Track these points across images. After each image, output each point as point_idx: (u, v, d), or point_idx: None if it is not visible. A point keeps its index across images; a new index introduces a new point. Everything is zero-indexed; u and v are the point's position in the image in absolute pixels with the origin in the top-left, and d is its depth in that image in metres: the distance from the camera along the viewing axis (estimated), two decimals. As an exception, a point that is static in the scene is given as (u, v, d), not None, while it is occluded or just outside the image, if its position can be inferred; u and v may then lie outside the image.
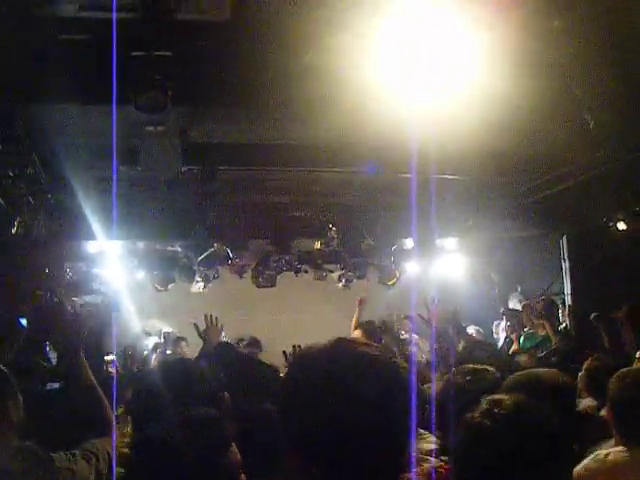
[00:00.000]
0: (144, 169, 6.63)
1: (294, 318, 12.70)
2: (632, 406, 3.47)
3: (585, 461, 3.35)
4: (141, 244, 10.19)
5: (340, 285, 12.17)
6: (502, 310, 11.07)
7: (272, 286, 11.60)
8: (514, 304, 11.15)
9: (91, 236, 8.15)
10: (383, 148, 6.50)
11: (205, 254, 10.27)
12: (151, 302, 11.39)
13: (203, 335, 5.89)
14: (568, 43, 4.51)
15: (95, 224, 7.64)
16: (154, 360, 10.23)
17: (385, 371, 1.82)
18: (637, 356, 5.51)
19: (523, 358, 6.03)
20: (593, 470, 3.27)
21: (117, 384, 4.09)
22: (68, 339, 3.21)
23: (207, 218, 8.89)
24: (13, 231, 7.32)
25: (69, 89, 4.71)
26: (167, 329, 11.77)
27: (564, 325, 9.42)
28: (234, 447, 2.56)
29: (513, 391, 3.40)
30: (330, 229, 9.76)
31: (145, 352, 10.94)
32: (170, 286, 10.97)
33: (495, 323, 11.31)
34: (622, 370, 3.77)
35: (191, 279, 10.97)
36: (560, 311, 9.77)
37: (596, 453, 3.39)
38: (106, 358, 8.19)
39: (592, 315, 7.23)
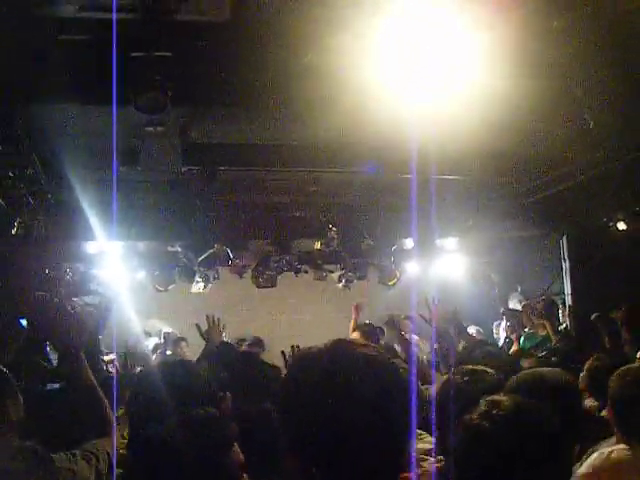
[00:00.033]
0: (144, 169, 6.65)
1: (294, 318, 12.71)
2: (633, 404, 3.47)
3: (589, 460, 3.34)
4: (141, 244, 10.19)
5: (340, 285, 12.16)
6: (502, 310, 11.07)
7: (272, 286, 11.59)
8: (514, 304, 11.15)
9: (91, 236, 8.14)
10: (383, 148, 6.51)
11: (205, 254, 10.26)
12: (151, 302, 11.38)
13: (205, 336, 5.89)
14: (568, 43, 4.51)
15: (95, 224, 7.64)
16: (154, 360, 10.22)
17: (384, 371, 1.83)
18: (638, 356, 5.50)
19: (526, 364, 6.02)
20: (597, 468, 3.27)
21: (117, 384, 4.09)
22: (69, 340, 3.21)
23: (207, 218, 8.89)
24: (13, 231, 7.33)
25: (69, 89, 4.72)
26: (167, 329, 11.77)
27: (564, 325, 9.42)
28: (236, 447, 2.56)
29: (517, 390, 3.41)
30: (330, 229, 9.76)
31: (145, 352, 10.93)
32: (170, 287, 10.97)
33: (495, 323, 11.31)
34: (622, 368, 3.77)
35: (191, 279, 10.96)
36: (560, 311, 9.77)
37: (600, 451, 3.39)
38: (106, 358, 8.18)
39: (593, 315, 7.23)
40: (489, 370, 3.41)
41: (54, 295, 7.63)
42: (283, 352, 5.85)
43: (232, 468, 2.51)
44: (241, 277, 11.51)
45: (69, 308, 3.34)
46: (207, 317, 5.82)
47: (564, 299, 9.85)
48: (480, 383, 3.20)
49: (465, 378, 3.28)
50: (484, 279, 12.03)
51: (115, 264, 10.05)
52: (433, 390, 3.48)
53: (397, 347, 7.97)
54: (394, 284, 11.91)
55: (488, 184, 8.21)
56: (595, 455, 3.35)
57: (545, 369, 3.75)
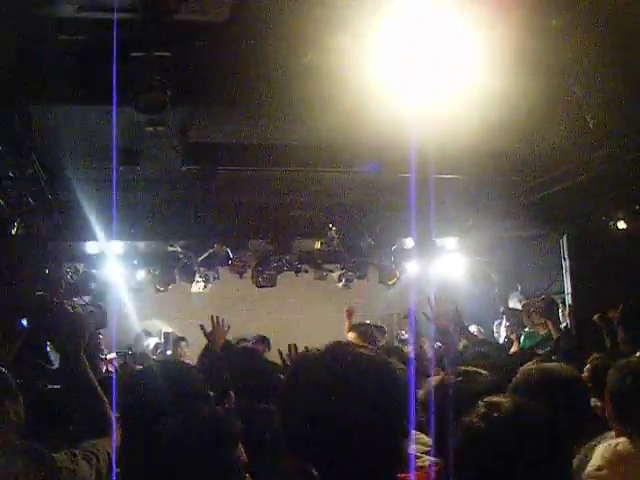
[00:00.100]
0: (144, 169, 6.65)
1: (294, 318, 12.70)
2: (631, 397, 3.47)
3: (597, 454, 3.34)
4: (141, 244, 10.20)
5: (340, 285, 12.16)
6: (502, 310, 11.07)
7: (272, 286, 11.60)
8: (514, 304, 11.15)
9: (91, 236, 8.15)
10: (383, 148, 6.51)
11: (205, 254, 10.27)
12: (151, 302, 11.39)
13: (209, 337, 5.87)
14: (567, 42, 4.51)
15: (95, 224, 7.64)
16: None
17: (383, 371, 1.85)
18: (637, 355, 5.50)
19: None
20: (609, 460, 3.27)
21: (116, 384, 4.08)
22: (69, 340, 3.21)
23: (207, 218, 8.89)
24: (13, 231, 7.33)
25: (69, 89, 4.72)
26: (167, 329, 11.77)
27: (564, 324, 9.42)
28: (240, 446, 2.57)
29: (522, 385, 3.41)
30: (330, 229, 9.76)
31: (145, 352, 10.93)
32: (170, 286, 10.98)
33: (496, 322, 11.30)
34: (620, 362, 3.78)
35: (191, 279, 10.97)
36: (560, 310, 9.77)
37: (605, 444, 3.38)
38: (108, 357, 8.19)
39: (595, 315, 7.22)
40: (482, 371, 3.41)
41: (54, 295, 7.64)
42: (280, 351, 5.83)
43: (237, 467, 2.52)
44: (241, 277, 11.51)
45: (69, 308, 3.34)
46: (211, 318, 5.81)
47: (564, 298, 9.85)
48: (473, 384, 3.20)
49: (458, 379, 3.29)
50: (484, 278, 12.02)
51: (115, 264, 10.06)
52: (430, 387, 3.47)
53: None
54: (394, 283, 11.92)
55: (488, 184, 8.22)
56: (601, 449, 3.35)
57: (549, 364, 3.76)
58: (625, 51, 4.68)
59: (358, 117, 5.35)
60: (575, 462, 3.13)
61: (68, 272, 9.92)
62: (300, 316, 12.80)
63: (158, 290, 10.98)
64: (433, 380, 3.55)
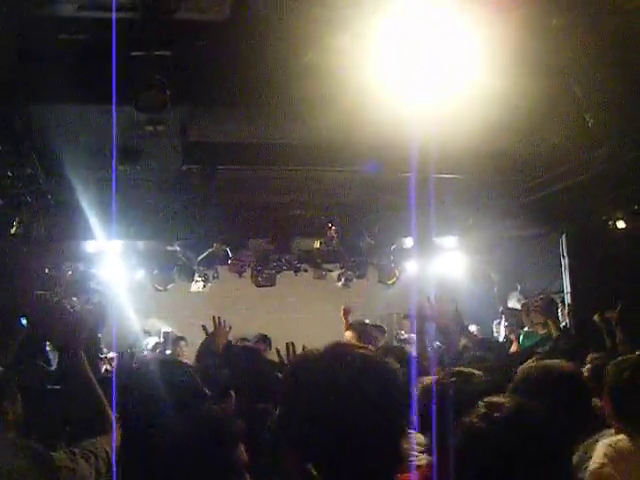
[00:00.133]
0: (144, 168, 6.64)
1: (294, 317, 12.71)
2: (629, 392, 3.48)
3: (599, 452, 3.34)
4: (140, 243, 10.19)
5: (340, 284, 12.17)
6: (501, 309, 11.07)
7: (272, 285, 11.60)
8: (514, 303, 11.15)
9: (90, 236, 8.15)
10: (383, 147, 6.50)
11: (204, 253, 10.27)
12: (150, 302, 11.39)
13: (211, 336, 5.87)
14: (567, 42, 4.51)
15: (95, 224, 7.64)
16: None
17: (382, 371, 1.87)
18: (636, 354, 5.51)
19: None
20: (610, 458, 3.28)
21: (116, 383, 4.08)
22: (68, 338, 3.21)
23: (207, 217, 8.89)
24: (12, 231, 7.33)
25: (69, 89, 4.72)
26: (167, 329, 11.78)
27: (564, 324, 9.42)
28: (241, 446, 2.57)
29: (524, 382, 3.42)
30: (330, 228, 9.76)
31: (145, 352, 10.94)
32: (169, 286, 10.98)
33: (495, 322, 11.31)
34: (619, 359, 3.79)
35: (190, 279, 10.98)
36: (560, 310, 9.77)
37: (606, 442, 3.39)
38: (108, 355, 8.20)
39: (595, 315, 7.22)
40: (476, 372, 3.42)
41: (53, 294, 7.64)
42: (278, 350, 5.83)
43: (238, 466, 2.52)
44: (240, 276, 11.51)
45: (68, 307, 3.34)
46: (213, 318, 5.81)
47: (563, 297, 9.85)
48: (467, 385, 3.20)
49: (452, 379, 3.29)
50: (484, 278, 12.03)
51: (114, 263, 10.06)
52: (433, 389, 3.47)
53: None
54: (393, 283, 11.92)
55: (488, 183, 8.21)
56: (601, 446, 3.35)
57: (549, 361, 3.77)
58: (625, 51, 4.68)
59: (358, 116, 5.35)
60: (575, 459, 3.14)
61: (67, 271, 9.92)
62: (299, 315, 12.82)
63: (157, 289, 10.98)
64: (426, 380, 3.55)
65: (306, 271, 11.88)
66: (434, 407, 2.83)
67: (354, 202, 9.30)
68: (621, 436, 3.40)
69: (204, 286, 11.26)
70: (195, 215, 8.80)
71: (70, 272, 9.99)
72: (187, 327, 10.65)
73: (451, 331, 5.88)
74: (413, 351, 6.94)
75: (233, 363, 5.08)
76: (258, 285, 11.53)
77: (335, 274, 12.15)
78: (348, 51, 4.40)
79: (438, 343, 6.29)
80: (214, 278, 11.32)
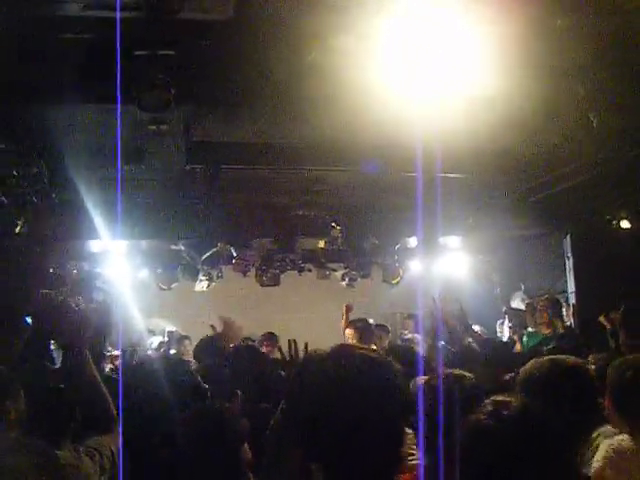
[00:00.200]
0: (148, 168, 6.65)
1: (298, 317, 12.70)
2: (630, 391, 3.48)
3: (601, 452, 3.35)
4: (144, 243, 10.21)
5: (344, 284, 12.16)
6: (504, 310, 11.06)
7: (276, 285, 11.61)
8: (517, 303, 11.14)
9: (95, 235, 8.16)
10: (386, 147, 6.51)
11: (209, 253, 10.27)
12: (154, 301, 11.40)
13: (221, 336, 5.87)
14: (572, 43, 4.51)
15: (99, 223, 7.65)
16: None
17: (387, 375, 1.89)
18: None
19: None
20: (610, 459, 3.28)
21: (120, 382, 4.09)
22: (72, 336, 3.23)
23: (211, 217, 8.90)
24: (17, 230, 7.34)
25: (73, 88, 4.73)
26: (171, 328, 11.78)
27: (568, 324, 9.41)
28: (246, 445, 2.58)
29: (531, 377, 3.43)
30: (334, 228, 9.76)
31: (149, 351, 10.95)
32: (173, 285, 10.99)
33: (499, 322, 11.30)
34: (621, 359, 3.80)
35: (195, 278, 10.98)
36: (564, 310, 9.76)
37: (607, 443, 3.40)
38: (113, 353, 8.20)
39: (601, 316, 7.22)
40: (468, 374, 3.44)
41: (58, 293, 7.66)
42: (280, 348, 5.84)
43: (242, 465, 2.53)
44: (245, 276, 11.51)
45: (73, 305, 3.36)
46: (221, 318, 5.81)
47: (567, 297, 9.85)
48: (457, 385, 3.22)
49: (443, 380, 3.30)
50: (487, 278, 12.03)
51: (118, 263, 10.07)
52: (439, 386, 3.48)
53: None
54: (397, 282, 11.92)
55: (491, 183, 8.21)
56: (603, 446, 3.36)
57: (557, 356, 3.78)
58: (630, 51, 4.68)
59: (362, 117, 5.35)
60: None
61: (72, 270, 9.94)
62: (303, 315, 12.81)
63: (161, 289, 10.99)
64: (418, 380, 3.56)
65: (310, 271, 11.88)
66: (421, 408, 2.84)
67: (358, 202, 9.30)
68: (624, 436, 3.41)
69: (208, 285, 11.26)
70: (199, 215, 8.81)
71: (75, 271, 10.01)
72: (191, 326, 10.66)
73: (456, 331, 5.88)
74: (419, 351, 6.95)
75: (236, 363, 5.10)
76: (262, 285, 11.53)
77: (339, 274, 12.15)
78: (352, 51, 4.40)
79: (443, 342, 6.30)
80: (218, 277, 11.32)
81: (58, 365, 6.24)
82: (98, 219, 7.57)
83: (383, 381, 1.85)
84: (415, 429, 2.67)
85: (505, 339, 10.44)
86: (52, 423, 3.81)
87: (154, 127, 5.40)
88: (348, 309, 8.97)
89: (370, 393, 1.81)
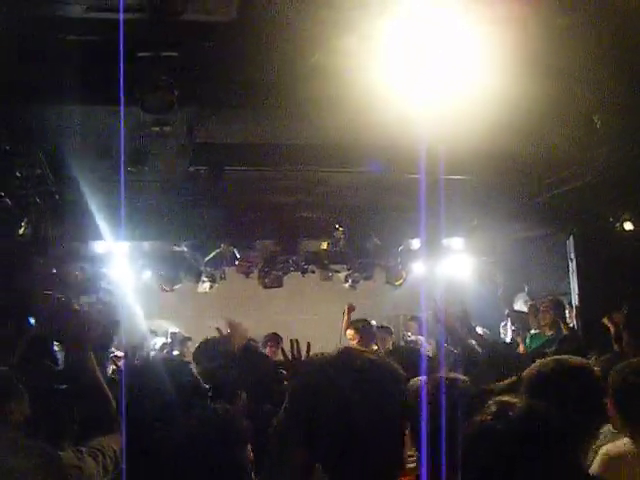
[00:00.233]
0: (151, 169, 6.65)
1: (300, 318, 12.71)
2: (633, 394, 3.48)
3: (602, 457, 3.35)
4: (147, 244, 10.22)
5: (347, 285, 12.17)
6: (507, 311, 11.04)
7: (279, 286, 11.61)
8: (521, 305, 11.12)
9: (98, 236, 8.17)
10: (390, 148, 6.51)
11: (211, 254, 10.28)
12: (157, 302, 11.40)
13: (228, 338, 5.86)
14: (574, 43, 4.50)
15: (102, 224, 7.66)
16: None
17: (390, 378, 1.91)
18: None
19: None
20: (608, 463, 3.28)
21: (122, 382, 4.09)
22: (76, 337, 3.23)
23: (214, 218, 8.91)
24: (20, 231, 7.35)
25: (76, 90, 4.73)
26: (174, 329, 11.79)
27: (571, 325, 9.40)
28: (249, 446, 2.58)
29: (535, 377, 3.42)
30: (337, 229, 9.77)
31: (152, 352, 10.95)
32: (176, 286, 11.00)
33: (502, 323, 11.29)
34: (623, 362, 3.79)
35: (197, 279, 10.99)
36: (567, 311, 9.75)
37: (604, 452, 3.39)
38: (117, 353, 8.20)
39: (605, 318, 7.21)
40: (462, 377, 3.43)
41: (62, 294, 7.67)
42: (283, 349, 5.84)
43: (245, 466, 2.53)
44: (247, 277, 11.52)
45: (76, 306, 3.36)
46: (226, 320, 5.81)
47: (570, 299, 9.84)
48: (451, 389, 3.21)
49: (432, 384, 3.30)
50: (490, 279, 12.01)
51: (121, 264, 10.08)
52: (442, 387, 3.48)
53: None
54: (400, 284, 11.93)
55: (495, 184, 8.20)
56: (605, 449, 3.36)
57: (561, 356, 3.77)
58: (631, 51, 4.68)
59: (365, 118, 5.35)
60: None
61: (76, 272, 9.95)
62: (306, 316, 12.82)
63: (164, 290, 11.00)
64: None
65: (313, 272, 11.89)
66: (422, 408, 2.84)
67: (361, 203, 9.30)
68: (625, 439, 3.41)
69: (211, 287, 11.27)
70: (202, 216, 8.82)
71: (78, 272, 10.01)
72: (194, 327, 10.66)
73: (457, 332, 5.87)
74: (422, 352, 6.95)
75: (239, 364, 5.09)
76: (265, 286, 11.53)
77: (342, 275, 12.15)
78: (355, 52, 4.40)
79: (445, 344, 6.30)
80: (221, 279, 11.33)
81: (61, 366, 6.26)
82: (101, 220, 7.58)
83: (384, 383, 1.86)
84: (415, 430, 2.68)
85: (508, 341, 10.43)
86: (55, 424, 3.82)
87: (157, 129, 5.41)
88: (350, 309, 8.97)
89: (371, 394, 1.82)
